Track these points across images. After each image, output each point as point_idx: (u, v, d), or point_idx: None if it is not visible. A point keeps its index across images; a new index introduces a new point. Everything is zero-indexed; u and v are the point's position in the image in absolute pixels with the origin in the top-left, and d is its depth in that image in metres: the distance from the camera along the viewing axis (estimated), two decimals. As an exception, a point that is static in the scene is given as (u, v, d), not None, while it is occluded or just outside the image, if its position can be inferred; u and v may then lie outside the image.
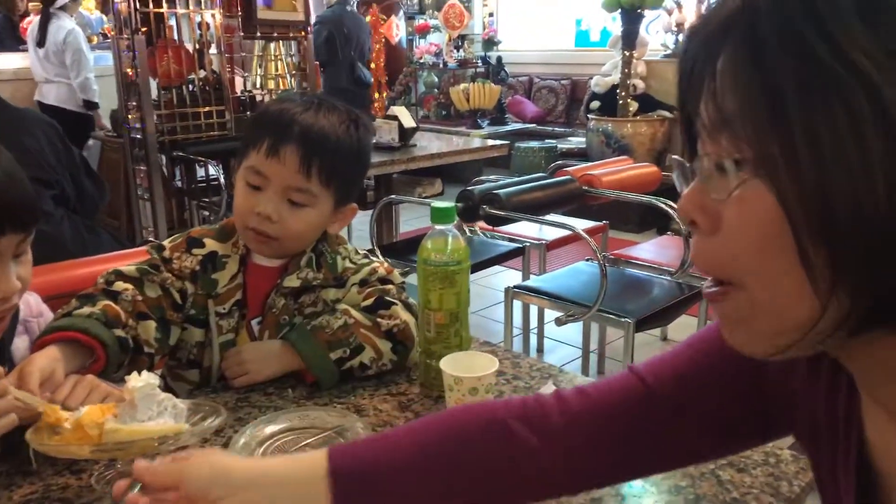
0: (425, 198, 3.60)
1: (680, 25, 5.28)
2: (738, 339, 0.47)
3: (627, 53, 5.04)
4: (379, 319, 1.11)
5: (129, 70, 3.94)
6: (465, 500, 0.65)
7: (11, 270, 0.85)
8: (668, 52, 5.46)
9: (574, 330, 3.01)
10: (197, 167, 4.23)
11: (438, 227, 1.06)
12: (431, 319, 1.06)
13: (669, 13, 5.30)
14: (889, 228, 0.37)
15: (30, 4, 6.28)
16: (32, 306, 1.03)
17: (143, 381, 0.86)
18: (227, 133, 4.34)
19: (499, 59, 6.91)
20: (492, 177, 3.28)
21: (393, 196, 3.10)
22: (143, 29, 3.89)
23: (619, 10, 4.96)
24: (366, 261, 1.22)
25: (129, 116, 3.99)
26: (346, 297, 1.17)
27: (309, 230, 1.14)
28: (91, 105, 4.84)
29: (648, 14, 5.16)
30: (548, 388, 1.05)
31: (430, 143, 3.90)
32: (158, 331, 1.07)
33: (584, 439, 0.65)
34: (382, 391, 1.09)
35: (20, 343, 0.99)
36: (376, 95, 6.20)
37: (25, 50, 5.72)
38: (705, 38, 0.44)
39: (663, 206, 2.63)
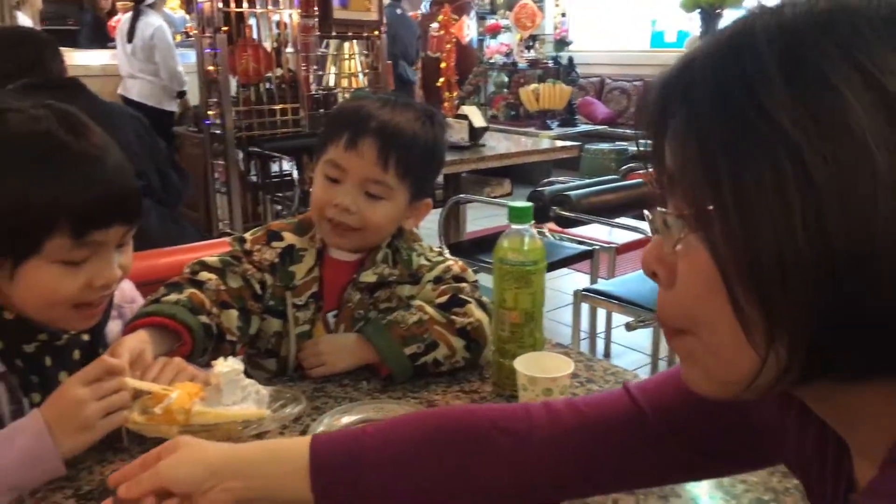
0: (494, 197, 3.61)
1: (761, 26, 5.11)
2: (692, 378, 0.49)
3: (705, 54, 4.91)
4: (453, 317, 1.12)
5: (210, 68, 4.08)
6: (442, 499, 0.66)
7: (115, 260, 0.89)
8: (748, 53, 5.28)
9: (641, 336, 2.96)
10: (271, 163, 4.36)
11: (515, 226, 1.06)
12: (506, 319, 1.06)
13: (750, 13, 5.13)
14: (814, 276, 0.39)
15: (118, 3, 6.58)
16: (126, 292, 1.08)
17: (228, 366, 0.90)
18: (301, 130, 4.45)
19: (570, 59, 6.85)
20: (561, 178, 3.27)
21: (462, 195, 3.11)
22: (225, 28, 4.02)
23: (698, 10, 4.84)
24: (441, 258, 1.24)
25: (210, 112, 4.13)
26: (420, 294, 1.18)
27: (385, 223, 1.15)
28: (181, 94, 5.03)
29: (728, 14, 5.01)
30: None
31: (499, 144, 3.90)
32: (240, 319, 1.11)
33: (571, 454, 0.66)
34: (455, 388, 1.09)
35: (114, 327, 1.04)
36: (446, 94, 6.23)
37: (112, 47, 6.01)
38: (657, 102, 0.47)
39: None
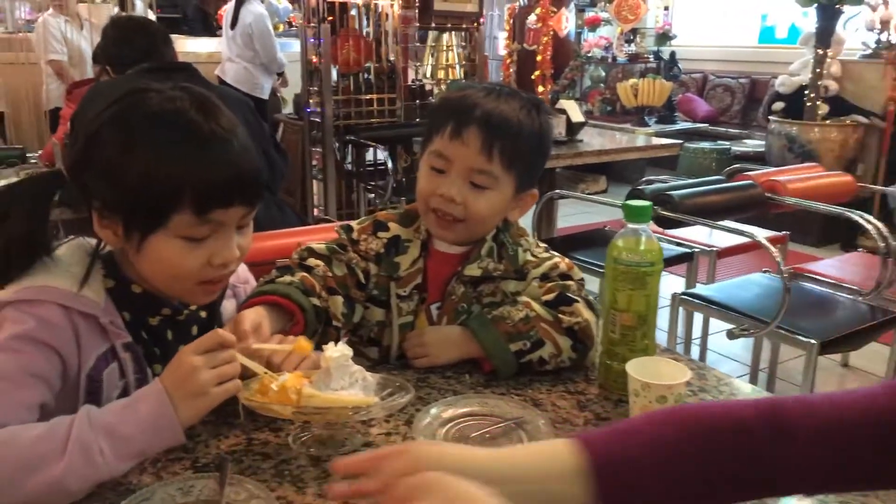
0: (589, 194, 3.54)
1: (885, 24, 4.78)
2: None
3: (821, 52, 4.64)
4: (560, 315, 1.10)
5: (313, 57, 4.18)
6: (720, 499, 0.65)
7: (234, 240, 0.92)
8: (868, 51, 4.96)
9: (738, 344, 2.83)
10: (366, 151, 4.42)
11: (632, 225, 1.02)
12: (617, 320, 1.03)
13: (874, 9, 4.81)
14: None
15: (227, -6, 6.84)
16: (240, 273, 1.11)
17: (338, 351, 0.91)
18: (397, 120, 4.50)
19: (672, 54, 6.62)
20: (662, 176, 3.15)
21: (558, 191, 3.05)
22: (329, 18, 4.10)
23: (815, 6, 4.57)
24: (547, 255, 1.21)
25: (311, 101, 4.23)
26: (526, 290, 1.16)
27: (490, 214, 1.14)
28: (280, 74, 5.19)
29: (847, 10, 4.72)
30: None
31: (593, 139, 3.81)
32: (345, 306, 1.12)
33: (832, 450, 0.64)
34: (560, 388, 1.07)
35: (228, 305, 1.07)
36: (540, 88, 6.15)
37: (216, 36, 6.24)
38: None
39: (860, 219, 2.39)
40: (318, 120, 4.21)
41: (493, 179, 1.10)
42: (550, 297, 1.13)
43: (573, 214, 4.91)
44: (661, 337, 2.76)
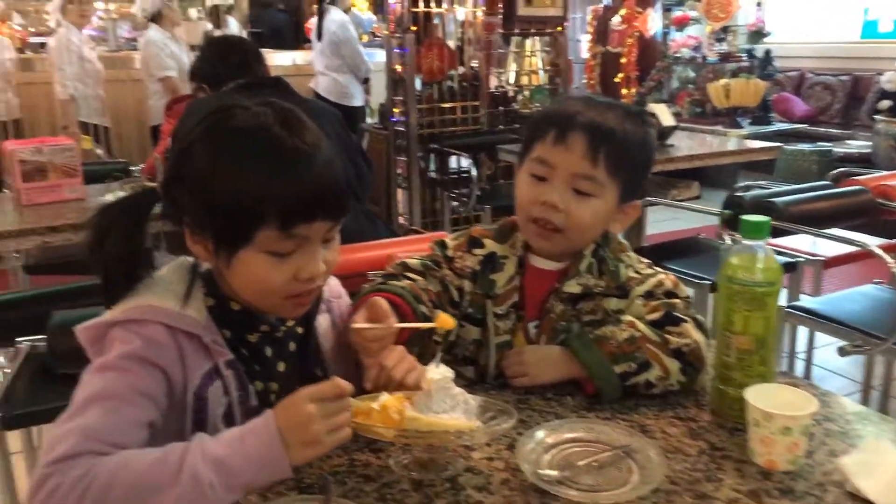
0: (680, 201, 3.41)
1: None
2: None
3: (934, 45, 4.33)
4: (667, 336, 1.04)
5: (397, 67, 4.22)
6: None
7: (320, 255, 0.91)
8: None
9: (846, 360, 2.65)
10: (449, 159, 4.43)
11: (748, 241, 0.96)
12: (732, 343, 0.96)
13: None
14: None
15: (314, 6, 7.02)
16: (333, 288, 1.11)
17: (440, 373, 0.89)
18: (480, 127, 4.49)
19: (766, 52, 6.33)
20: (761, 182, 3.01)
21: (648, 198, 2.95)
22: (414, 28, 4.14)
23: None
24: (650, 271, 1.15)
25: (395, 110, 4.28)
26: (629, 309, 1.11)
27: (592, 223, 1.10)
28: (366, 80, 5.28)
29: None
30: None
31: (682, 143, 3.67)
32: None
33: None
34: (668, 413, 1.01)
35: (323, 321, 1.07)
36: (624, 91, 6.01)
37: (304, 48, 6.42)
38: None
39: None
40: (402, 129, 4.25)
41: (597, 186, 1.07)
42: (656, 316, 1.07)
43: (662, 221, 4.75)
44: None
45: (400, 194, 4.48)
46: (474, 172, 4.13)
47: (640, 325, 1.05)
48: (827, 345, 2.67)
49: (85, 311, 1.05)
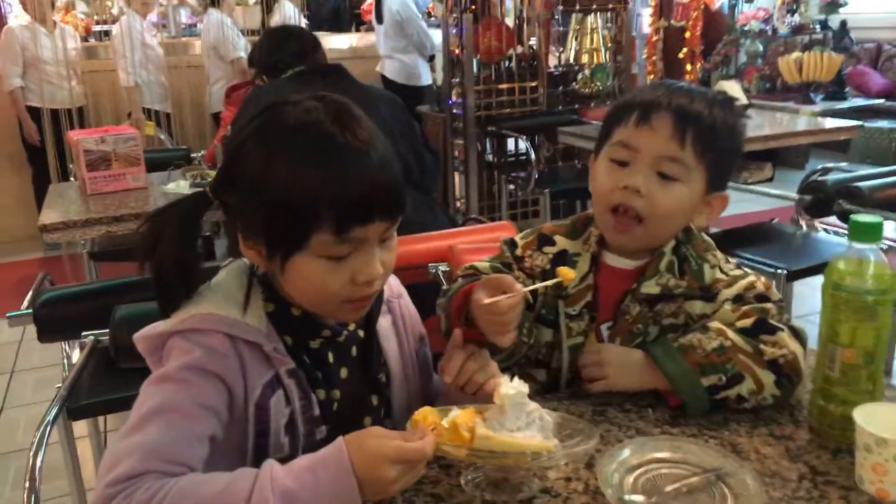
0: (752, 184, 3.24)
1: None
2: None
3: None
4: (762, 346, 0.95)
5: (454, 48, 4.13)
6: None
7: (376, 256, 0.86)
8: None
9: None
10: (507, 142, 4.34)
11: (858, 245, 0.86)
12: (837, 356, 0.87)
13: None
14: None
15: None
16: (394, 288, 1.06)
17: (514, 388, 0.83)
18: (539, 108, 4.37)
19: (842, 23, 5.98)
20: (841, 164, 2.83)
21: (719, 182, 2.81)
22: (472, 7, 4.04)
23: None
24: (739, 272, 1.07)
25: (452, 92, 4.19)
26: (717, 315, 1.02)
27: (676, 212, 1.02)
28: (432, 57, 5.19)
29: None
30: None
31: (752, 121, 3.47)
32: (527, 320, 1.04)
33: None
34: (762, 430, 0.93)
35: (384, 322, 1.02)
36: (688, 67, 5.77)
37: (363, 31, 6.37)
38: None
39: None
40: (459, 111, 4.17)
41: (683, 169, 1.00)
42: (748, 322, 0.98)
43: (731, 204, 4.56)
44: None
45: (456, 178, 4.41)
46: (532, 155, 4.03)
47: (731, 334, 0.97)
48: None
49: (149, 305, 1.02)
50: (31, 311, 1.58)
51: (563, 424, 0.85)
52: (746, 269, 1.07)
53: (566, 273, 0.95)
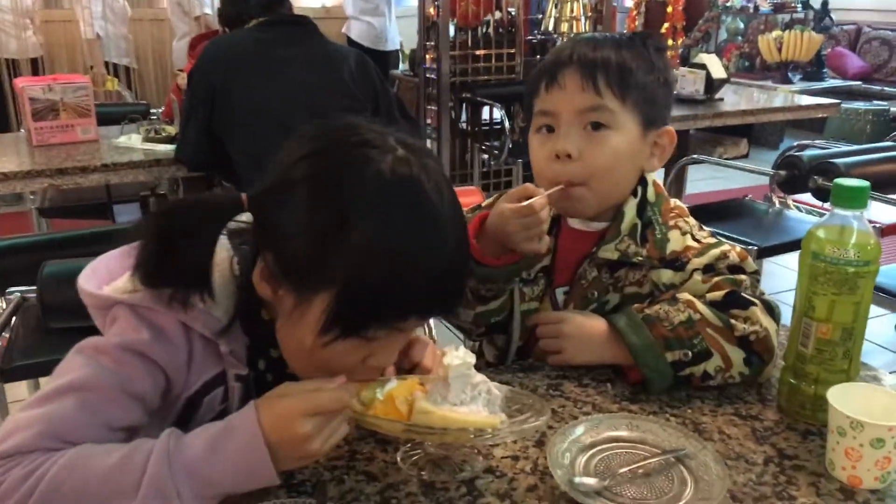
0: (727, 159, 3.19)
1: None
2: None
3: None
4: (732, 321, 0.88)
5: (430, 10, 3.99)
6: None
7: (400, 346, 0.76)
8: None
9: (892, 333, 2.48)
10: (482, 110, 4.23)
11: (840, 211, 0.79)
12: (812, 331, 0.80)
13: None
14: None
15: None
16: None
17: (459, 358, 0.74)
18: (515, 77, 4.26)
19: (823, 3, 5.94)
20: (818, 141, 2.78)
21: (694, 156, 2.75)
22: (446, -33, 3.89)
23: None
24: (713, 240, 0.99)
25: (427, 56, 4.07)
26: (686, 285, 0.95)
27: (616, 161, 0.95)
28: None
29: None
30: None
31: (730, 98, 3.42)
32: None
33: None
34: (727, 409, 0.86)
35: None
36: (670, 42, 5.68)
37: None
38: None
39: None
40: (433, 77, 4.05)
41: (609, 114, 0.93)
42: (718, 295, 0.91)
43: (703, 180, 4.52)
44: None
45: (429, 145, 4.30)
46: (507, 124, 3.93)
47: (700, 306, 0.90)
48: (877, 316, 2.49)
49: (78, 261, 0.91)
50: (-48, 264, 1.46)
51: (512, 399, 0.77)
52: (721, 238, 1.00)
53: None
